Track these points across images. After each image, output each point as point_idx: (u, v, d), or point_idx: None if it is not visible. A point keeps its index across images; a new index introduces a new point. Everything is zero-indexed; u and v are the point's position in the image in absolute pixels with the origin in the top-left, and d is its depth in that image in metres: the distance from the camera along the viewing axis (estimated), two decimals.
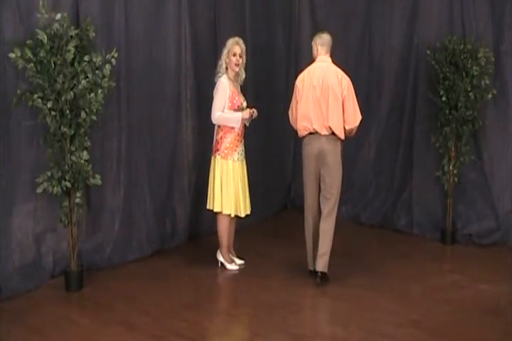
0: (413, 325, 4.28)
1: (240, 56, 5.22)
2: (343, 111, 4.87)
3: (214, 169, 5.22)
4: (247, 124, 5.35)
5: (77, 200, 4.77)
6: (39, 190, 4.64)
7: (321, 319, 4.60)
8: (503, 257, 5.65)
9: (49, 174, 4.64)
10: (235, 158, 5.20)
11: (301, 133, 5.01)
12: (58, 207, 4.78)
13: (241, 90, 5.40)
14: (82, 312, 4.52)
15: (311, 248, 5.07)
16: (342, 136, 4.93)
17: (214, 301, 4.93)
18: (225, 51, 5.23)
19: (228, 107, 5.18)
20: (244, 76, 5.37)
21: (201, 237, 5.86)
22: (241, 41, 5.27)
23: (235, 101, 5.20)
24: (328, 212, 4.96)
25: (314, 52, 5.07)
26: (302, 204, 6.91)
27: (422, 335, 4.15)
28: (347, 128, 4.92)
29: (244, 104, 5.32)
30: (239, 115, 5.16)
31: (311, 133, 4.94)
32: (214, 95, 5.22)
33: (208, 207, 5.33)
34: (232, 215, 5.26)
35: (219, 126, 5.24)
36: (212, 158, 5.25)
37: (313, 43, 5.08)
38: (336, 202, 4.99)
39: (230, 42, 5.23)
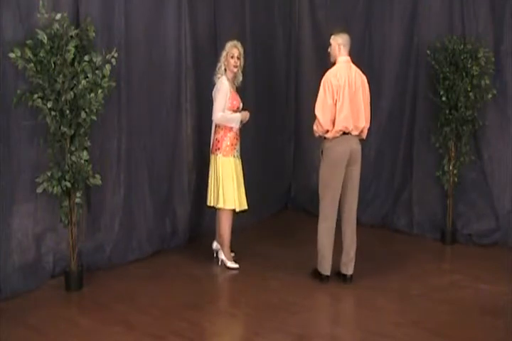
0: (413, 325, 4.29)
1: (238, 58, 5.36)
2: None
3: (216, 167, 5.32)
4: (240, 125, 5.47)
5: (77, 200, 4.78)
6: (39, 190, 4.64)
7: (321, 319, 4.60)
8: (503, 257, 5.65)
9: (49, 174, 4.64)
10: (234, 156, 5.34)
11: (335, 134, 4.88)
12: (58, 207, 4.78)
13: (237, 91, 5.48)
14: (82, 312, 4.52)
15: (330, 254, 4.98)
16: (365, 136, 4.99)
17: (214, 301, 4.93)
18: (223, 53, 5.37)
19: (228, 108, 5.29)
20: (241, 78, 5.48)
21: (201, 237, 5.87)
22: (239, 44, 5.38)
23: (234, 102, 5.33)
24: (354, 213, 4.99)
25: (335, 51, 5.00)
26: (303, 204, 6.98)
27: (422, 335, 4.15)
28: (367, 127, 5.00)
29: (241, 104, 5.43)
30: (238, 116, 5.32)
31: (344, 134, 4.88)
32: (214, 95, 5.32)
33: (208, 203, 5.41)
34: (238, 209, 5.36)
35: (218, 126, 5.35)
36: (213, 156, 5.35)
37: (332, 41, 5.00)
38: (357, 202, 5.03)
39: (229, 44, 5.36)
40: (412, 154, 6.39)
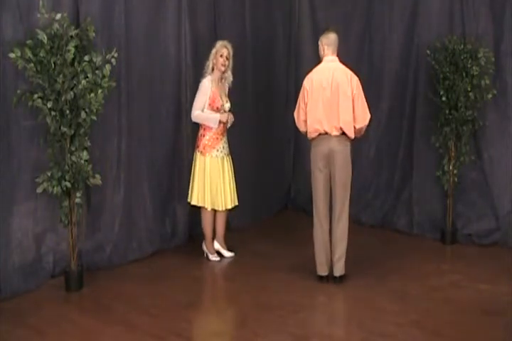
0: (413, 325, 4.28)
1: (227, 58, 5.40)
2: (353, 111, 4.86)
3: (194, 164, 5.49)
4: (228, 126, 5.52)
5: (77, 200, 4.78)
6: (39, 190, 4.64)
7: (321, 319, 4.60)
8: (503, 257, 5.64)
9: (49, 174, 4.64)
10: (213, 155, 5.40)
11: (312, 135, 4.95)
12: (58, 207, 4.78)
13: (229, 92, 5.55)
14: (82, 312, 4.52)
15: (322, 254, 4.99)
16: (352, 136, 4.92)
17: (214, 301, 4.93)
18: (213, 51, 5.41)
19: (208, 107, 5.39)
20: (231, 79, 5.54)
21: (201, 237, 5.85)
22: (229, 45, 5.43)
23: (215, 102, 5.38)
24: (340, 213, 4.94)
25: (321, 52, 5.04)
26: (302, 204, 6.98)
27: (422, 335, 4.15)
28: (357, 127, 4.90)
29: (227, 105, 5.48)
30: (217, 116, 5.37)
31: (320, 134, 4.91)
32: (196, 94, 5.44)
33: (188, 199, 5.55)
34: (209, 209, 5.46)
35: (200, 124, 5.46)
36: (194, 153, 5.51)
37: (319, 43, 5.05)
38: (346, 202, 4.96)
39: (219, 44, 5.42)
40: (412, 154, 6.39)
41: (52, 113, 4.54)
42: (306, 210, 6.81)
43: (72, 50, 4.47)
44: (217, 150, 5.42)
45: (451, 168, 5.96)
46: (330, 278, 5.03)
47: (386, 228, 6.54)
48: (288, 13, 7.13)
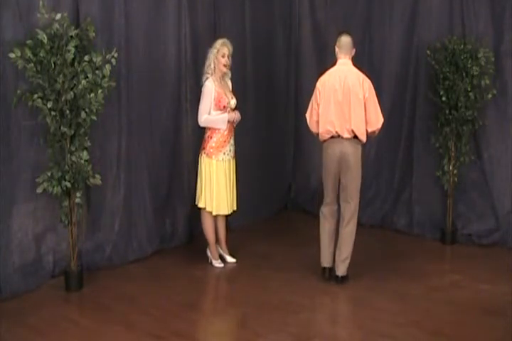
0: (413, 325, 4.28)
1: (228, 57, 5.31)
2: (365, 114, 4.85)
3: (200, 166, 5.37)
4: (234, 125, 5.43)
5: (77, 200, 4.78)
6: (39, 190, 4.64)
7: (321, 319, 4.60)
8: (503, 257, 5.65)
9: (49, 174, 4.64)
10: (220, 158, 5.29)
11: (323, 136, 4.94)
12: (58, 207, 4.78)
13: (232, 87, 5.46)
14: (82, 312, 4.52)
15: (327, 245, 5.04)
16: (364, 139, 4.90)
17: (214, 301, 4.93)
18: (214, 51, 5.28)
19: (214, 108, 5.28)
20: (229, 75, 5.43)
21: (201, 237, 5.86)
22: (229, 42, 5.33)
23: (221, 101, 5.28)
24: (350, 216, 4.95)
25: (336, 54, 5.04)
26: (302, 204, 6.99)
27: (422, 335, 4.15)
28: (369, 130, 4.89)
29: (233, 101, 5.37)
30: (225, 117, 5.28)
31: (332, 137, 4.90)
32: (201, 98, 5.32)
33: (196, 202, 5.47)
34: (214, 213, 5.36)
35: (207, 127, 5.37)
36: (199, 155, 5.38)
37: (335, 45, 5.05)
38: (356, 206, 4.97)
39: (220, 42, 5.30)
40: (412, 154, 6.39)
41: (52, 113, 4.54)
42: (306, 210, 6.83)
43: (72, 50, 4.48)
44: (224, 154, 5.30)
45: (451, 168, 5.96)
46: (332, 271, 5.04)
47: (386, 228, 6.54)
48: (288, 12, 7.13)
